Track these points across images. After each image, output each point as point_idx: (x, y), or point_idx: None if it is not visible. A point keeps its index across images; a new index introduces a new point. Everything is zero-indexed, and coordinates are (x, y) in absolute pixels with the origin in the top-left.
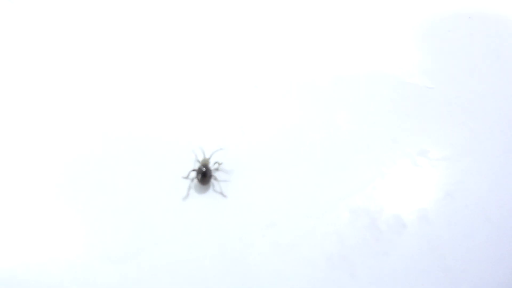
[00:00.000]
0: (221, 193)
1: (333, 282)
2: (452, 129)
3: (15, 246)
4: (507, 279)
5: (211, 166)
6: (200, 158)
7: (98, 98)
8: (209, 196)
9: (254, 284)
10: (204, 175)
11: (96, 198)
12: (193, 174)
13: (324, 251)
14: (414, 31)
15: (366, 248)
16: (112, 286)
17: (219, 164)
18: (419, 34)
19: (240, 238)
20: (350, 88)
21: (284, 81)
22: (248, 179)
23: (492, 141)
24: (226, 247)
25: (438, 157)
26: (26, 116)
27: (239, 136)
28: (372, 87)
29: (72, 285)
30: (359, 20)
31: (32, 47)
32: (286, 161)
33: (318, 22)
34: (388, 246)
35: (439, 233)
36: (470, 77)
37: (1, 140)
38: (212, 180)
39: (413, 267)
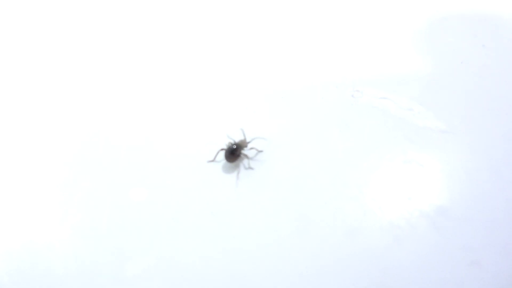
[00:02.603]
0: (249, 167)
1: None
2: (473, 182)
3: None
4: None
5: (245, 150)
6: (238, 139)
7: (122, 93)
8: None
9: None
10: (232, 153)
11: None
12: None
13: None
14: (422, 65)
15: None
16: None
17: (258, 151)
18: (427, 68)
19: None
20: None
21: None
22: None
23: None
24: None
25: (460, 217)
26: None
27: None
28: (380, 137)
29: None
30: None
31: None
32: None
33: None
34: None
35: None
36: (489, 116)
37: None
38: (240, 162)
39: None
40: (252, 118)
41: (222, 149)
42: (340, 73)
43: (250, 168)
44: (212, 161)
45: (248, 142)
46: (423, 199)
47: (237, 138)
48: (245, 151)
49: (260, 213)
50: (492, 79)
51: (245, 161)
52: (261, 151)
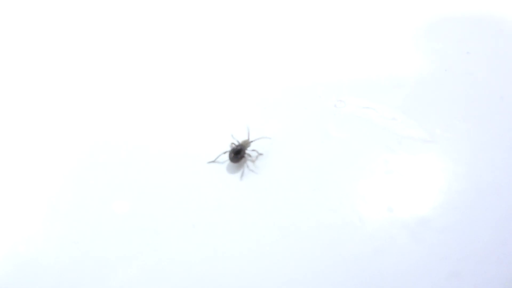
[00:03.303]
0: (253, 171)
1: None
2: (454, 192)
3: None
4: None
5: (249, 151)
6: (242, 139)
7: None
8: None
9: None
10: (237, 153)
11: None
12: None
13: None
14: (406, 73)
15: None
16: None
17: (259, 154)
18: (411, 76)
19: None
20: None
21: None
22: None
23: (506, 202)
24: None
25: (440, 227)
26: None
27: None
28: (362, 147)
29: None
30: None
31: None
32: None
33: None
34: None
35: None
36: (471, 125)
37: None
38: (244, 162)
39: None
40: (233, 129)
41: (225, 152)
42: (323, 82)
43: (253, 170)
44: (213, 161)
45: (251, 142)
46: (404, 209)
47: (241, 139)
48: (248, 151)
49: (241, 225)
50: (477, 87)
51: (249, 162)
52: (262, 154)
